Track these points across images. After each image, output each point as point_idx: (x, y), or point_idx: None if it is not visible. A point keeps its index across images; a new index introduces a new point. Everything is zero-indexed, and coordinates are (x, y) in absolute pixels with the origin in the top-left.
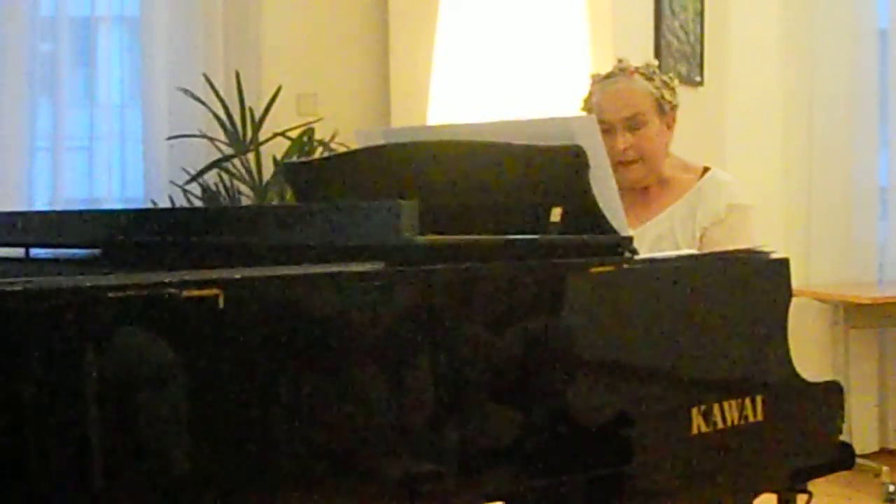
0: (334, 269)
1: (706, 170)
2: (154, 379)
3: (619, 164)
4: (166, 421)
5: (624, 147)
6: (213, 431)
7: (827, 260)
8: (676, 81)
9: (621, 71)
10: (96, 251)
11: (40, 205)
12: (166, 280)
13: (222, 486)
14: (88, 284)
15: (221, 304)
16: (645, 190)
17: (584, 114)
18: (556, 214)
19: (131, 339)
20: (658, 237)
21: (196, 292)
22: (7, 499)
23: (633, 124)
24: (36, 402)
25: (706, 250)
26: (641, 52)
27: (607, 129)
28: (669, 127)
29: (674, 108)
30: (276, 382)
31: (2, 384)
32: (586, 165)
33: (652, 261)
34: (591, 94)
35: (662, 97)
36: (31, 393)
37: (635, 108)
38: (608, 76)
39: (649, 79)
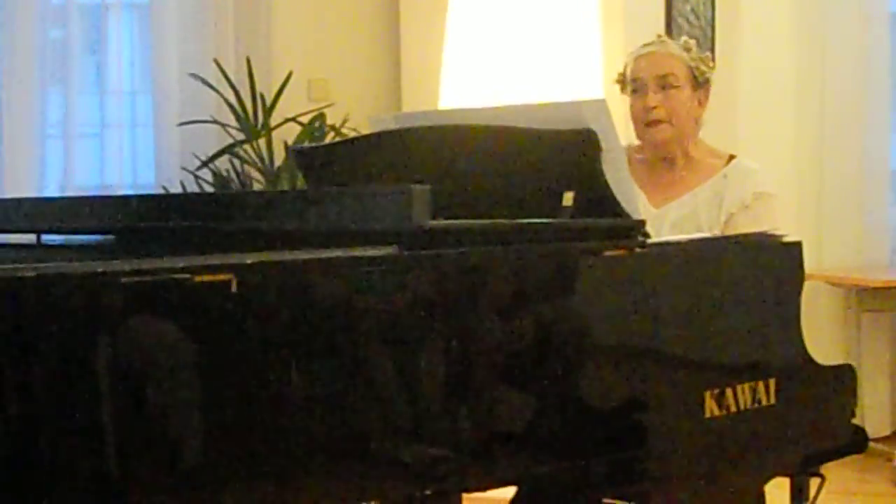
0: (347, 253)
1: (732, 157)
2: (167, 363)
3: (647, 126)
4: (180, 405)
5: (653, 104)
6: (227, 415)
7: (839, 243)
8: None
9: (659, 41)
10: (108, 237)
11: (52, 193)
12: (179, 265)
13: (236, 469)
14: (101, 270)
15: (234, 288)
16: (670, 169)
17: (598, 96)
18: (567, 198)
19: (144, 325)
20: (680, 218)
21: (209, 277)
22: (22, 483)
23: (665, 83)
24: (49, 386)
25: None
26: (652, 36)
27: (639, 88)
28: (701, 103)
29: (707, 82)
30: (289, 366)
31: (16, 369)
32: (598, 149)
33: (664, 244)
34: (625, 64)
35: (697, 68)
36: (45, 378)
37: (668, 69)
38: (645, 45)
39: (686, 50)
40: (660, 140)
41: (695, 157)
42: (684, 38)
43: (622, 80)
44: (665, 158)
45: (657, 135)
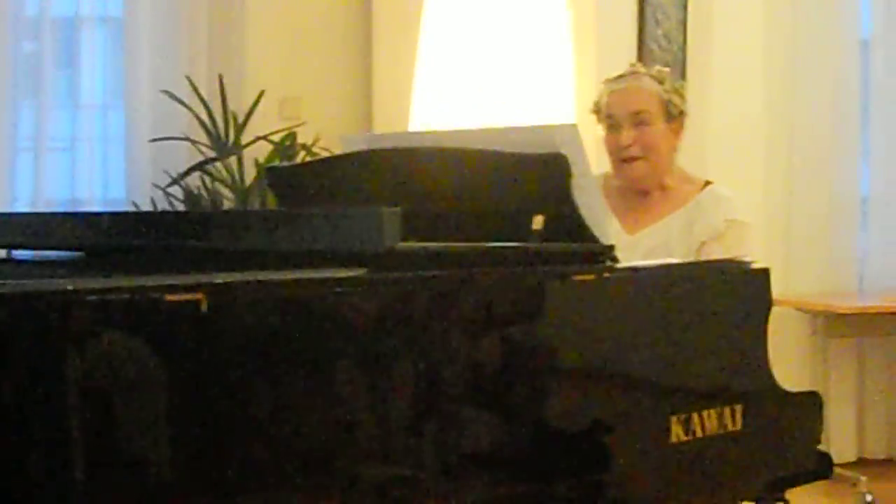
0: (317, 274)
1: (707, 183)
2: (136, 383)
3: (623, 162)
4: (148, 424)
5: (628, 143)
6: (195, 435)
7: (807, 269)
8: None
9: (632, 73)
10: (79, 254)
11: (22, 206)
12: (149, 284)
13: (204, 489)
14: (70, 287)
15: (204, 308)
16: (645, 196)
17: (570, 121)
18: (537, 222)
19: (113, 343)
20: (653, 248)
21: (179, 296)
22: None
23: (639, 121)
24: (16, 405)
25: None
26: (624, 60)
27: (613, 125)
28: (676, 134)
29: (682, 114)
30: (258, 386)
31: None
32: (568, 173)
33: (633, 269)
34: (600, 95)
35: (670, 101)
36: (12, 396)
37: (641, 106)
38: (618, 77)
39: (659, 82)
40: (635, 176)
41: (670, 185)
42: (657, 67)
43: (597, 111)
44: (640, 190)
45: (632, 172)
